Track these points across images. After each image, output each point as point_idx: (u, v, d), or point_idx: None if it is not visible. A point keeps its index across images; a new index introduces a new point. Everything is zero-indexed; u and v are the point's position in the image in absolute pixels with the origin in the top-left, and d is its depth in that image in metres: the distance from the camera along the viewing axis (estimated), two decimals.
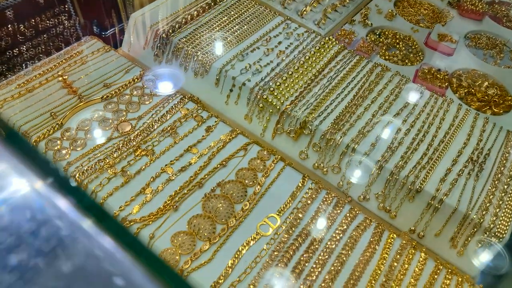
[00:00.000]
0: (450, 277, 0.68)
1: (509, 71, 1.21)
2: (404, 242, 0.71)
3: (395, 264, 0.68)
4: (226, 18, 1.08)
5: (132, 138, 0.79)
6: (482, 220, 0.74)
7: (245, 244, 0.67)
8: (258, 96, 0.91)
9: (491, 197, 0.77)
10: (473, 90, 1.12)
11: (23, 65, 1.12)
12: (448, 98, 0.96)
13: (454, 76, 1.16)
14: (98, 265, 0.36)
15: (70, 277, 0.35)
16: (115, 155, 0.76)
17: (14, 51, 1.06)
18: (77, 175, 0.72)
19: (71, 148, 0.77)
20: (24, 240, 0.37)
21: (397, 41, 1.23)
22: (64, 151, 0.76)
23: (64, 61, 0.92)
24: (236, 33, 1.04)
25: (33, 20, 1.07)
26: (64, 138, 0.78)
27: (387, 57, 1.17)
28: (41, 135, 0.77)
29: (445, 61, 1.19)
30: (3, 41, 1.04)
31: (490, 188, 0.79)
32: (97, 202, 0.71)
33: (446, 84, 1.09)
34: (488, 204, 0.76)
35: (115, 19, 1.33)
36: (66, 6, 1.15)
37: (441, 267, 0.68)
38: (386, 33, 1.26)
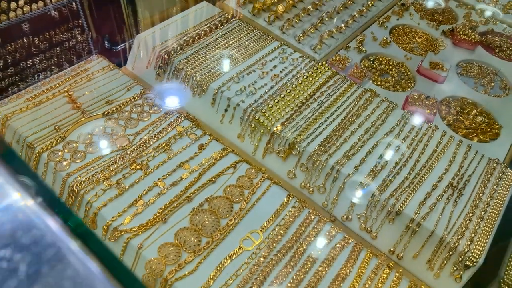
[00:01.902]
0: None
1: (498, 99, 1.25)
2: (379, 262, 0.74)
3: (370, 282, 0.71)
4: (225, 41, 1.15)
5: (128, 153, 0.84)
6: (457, 244, 0.77)
7: (227, 257, 0.71)
8: (251, 117, 0.96)
9: (467, 222, 0.81)
10: (461, 117, 1.16)
11: (35, 76, 1.18)
12: (433, 125, 1.00)
13: (443, 103, 1.20)
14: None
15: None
16: (111, 168, 0.81)
17: (28, 62, 1.12)
18: (75, 185, 0.77)
19: (71, 160, 0.82)
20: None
21: (390, 67, 1.29)
22: (64, 163, 0.81)
23: (71, 77, 0.99)
24: (233, 56, 1.10)
25: (47, 34, 1.13)
26: (66, 150, 0.83)
27: (379, 83, 1.22)
28: (44, 146, 0.83)
29: (436, 89, 1.24)
30: (18, 53, 1.10)
31: (467, 213, 0.82)
32: (92, 212, 0.76)
33: (434, 111, 1.13)
34: (464, 229, 0.79)
35: (126, 35, 1.40)
36: (79, 21, 1.21)
37: (415, 287, 0.71)
38: (380, 59, 1.31)
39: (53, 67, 1.20)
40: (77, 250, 0.44)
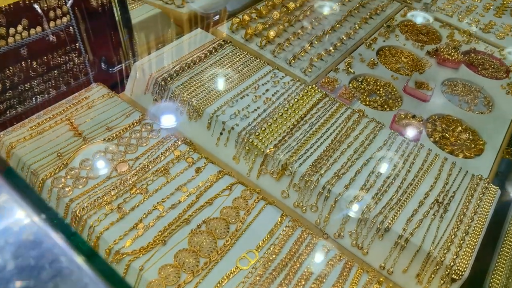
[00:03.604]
0: None
1: (482, 116, 1.31)
2: (370, 277, 0.78)
3: None
4: (219, 67, 1.20)
5: (129, 177, 0.88)
6: (443, 258, 0.81)
7: (225, 277, 0.75)
8: (245, 140, 1.00)
9: (453, 237, 0.85)
10: (447, 135, 1.21)
11: (33, 98, 1.22)
12: (419, 143, 1.05)
13: (429, 121, 1.25)
14: None
15: None
16: (112, 193, 0.85)
17: (26, 85, 1.14)
18: (78, 210, 0.81)
19: (74, 186, 0.86)
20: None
21: (378, 87, 1.34)
22: (67, 189, 0.85)
23: (72, 105, 1.03)
24: (227, 81, 1.15)
25: (45, 57, 1.15)
26: (68, 176, 0.87)
27: (367, 103, 1.27)
28: (48, 173, 0.87)
29: (422, 107, 1.29)
30: (16, 77, 1.13)
31: (452, 228, 0.86)
32: (94, 236, 0.79)
33: (421, 129, 1.19)
34: (449, 244, 0.83)
35: (122, 58, 1.45)
36: (77, 44, 1.24)
37: None
38: (368, 80, 1.37)
39: (50, 90, 1.23)
40: (83, 266, 0.46)
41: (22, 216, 0.50)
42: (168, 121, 1.10)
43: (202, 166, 0.93)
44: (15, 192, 0.52)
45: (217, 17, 1.59)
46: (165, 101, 1.13)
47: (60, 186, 0.85)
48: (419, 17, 1.72)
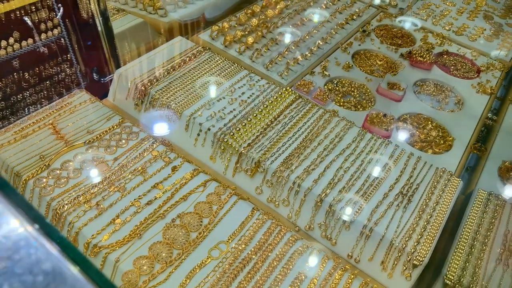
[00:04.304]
0: None
1: (452, 114, 1.37)
2: (335, 264, 0.82)
3: (325, 283, 0.79)
4: (198, 72, 1.26)
5: (107, 177, 0.93)
6: (405, 245, 0.86)
7: (197, 266, 0.79)
8: (221, 140, 1.05)
9: (415, 226, 0.89)
10: (417, 132, 1.26)
11: (26, 109, 1.26)
12: (386, 140, 1.11)
13: (400, 120, 1.31)
14: None
15: None
16: (92, 191, 0.90)
17: (18, 96, 1.18)
18: (58, 208, 0.85)
19: (55, 185, 0.90)
20: None
21: (352, 89, 1.40)
22: (48, 188, 0.89)
23: (55, 111, 1.08)
24: (205, 85, 1.21)
25: (37, 69, 1.20)
26: (50, 177, 0.92)
27: (342, 104, 1.33)
28: (30, 174, 0.91)
29: (394, 107, 1.35)
30: (9, 88, 1.17)
31: (415, 218, 0.91)
32: (73, 231, 0.83)
33: (391, 127, 1.24)
34: (411, 232, 0.88)
35: (113, 68, 1.50)
36: (68, 55, 1.28)
37: (365, 285, 0.79)
38: (343, 82, 1.43)
39: (43, 100, 1.27)
40: (77, 274, 0.48)
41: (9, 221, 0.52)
42: (160, 129, 1.14)
43: (178, 165, 0.98)
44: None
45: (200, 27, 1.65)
46: (145, 105, 1.18)
47: (42, 186, 0.90)
48: (407, 23, 1.78)
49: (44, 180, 0.91)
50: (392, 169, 1.02)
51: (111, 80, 1.45)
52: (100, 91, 1.38)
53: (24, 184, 0.91)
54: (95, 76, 1.45)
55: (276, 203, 1.00)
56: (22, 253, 0.46)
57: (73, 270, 0.46)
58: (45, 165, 0.94)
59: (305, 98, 1.21)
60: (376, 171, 1.01)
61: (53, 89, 1.27)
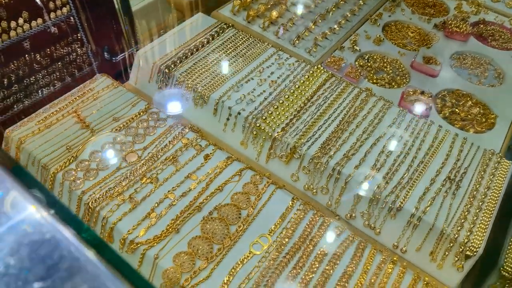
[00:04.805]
0: None
1: (492, 89, 1.28)
2: (384, 257, 0.78)
3: (375, 277, 0.75)
4: (223, 51, 1.18)
5: (138, 167, 0.88)
6: (457, 235, 0.81)
7: (239, 262, 0.75)
8: (252, 124, 1.00)
9: (466, 213, 0.84)
10: (457, 110, 1.19)
11: (39, 91, 1.22)
12: (428, 120, 1.03)
13: (438, 97, 1.23)
14: None
15: None
16: (123, 183, 0.85)
17: (31, 79, 1.15)
18: (90, 202, 0.82)
19: (85, 178, 0.86)
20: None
21: (385, 64, 1.32)
22: (78, 181, 0.85)
23: (77, 97, 1.03)
24: (232, 66, 1.14)
25: (48, 50, 1.16)
26: (79, 169, 0.88)
27: (374, 81, 1.25)
28: (58, 167, 0.87)
29: (430, 83, 1.27)
30: (21, 70, 1.13)
31: (465, 205, 0.86)
32: (108, 227, 0.80)
33: (430, 105, 1.17)
34: (463, 221, 0.83)
35: (125, 46, 1.44)
36: (78, 34, 1.24)
37: (418, 280, 0.75)
38: (374, 57, 1.34)
39: (55, 82, 1.23)
40: (94, 261, 0.46)
41: (32, 213, 0.50)
42: (173, 107, 1.10)
43: (211, 153, 0.93)
44: (25, 189, 0.52)
45: None
46: (170, 89, 1.12)
47: (71, 179, 0.86)
48: None
49: (73, 172, 0.87)
50: (438, 153, 0.96)
51: (123, 59, 1.40)
52: (112, 70, 1.34)
53: (53, 177, 0.87)
54: (106, 55, 1.40)
55: (314, 190, 0.95)
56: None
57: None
58: (72, 156, 0.89)
59: (338, 77, 1.13)
60: (420, 155, 0.95)
61: (65, 70, 1.24)
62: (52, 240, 0.47)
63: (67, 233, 0.48)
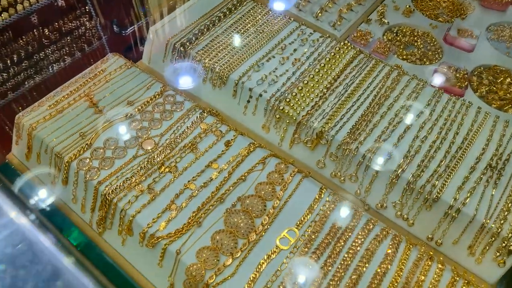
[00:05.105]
0: None
1: None
2: (421, 253, 0.72)
3: (412, 275, 0.70)
4: (241, 27, 1.10)
5: (156, 155, 0.83)
6: (500, 229, 0.75)
7: (265, 258, 0.71)
8: (275, 107, 0.93)
9: (509, 205, 0.78)
10: (494, 88, 1.10)
11: (49, 67, 1.18)
12: (466, 102, 0.95)
13: (474, 74, 1.14)
14: None
15: None
16: (141, 173, 0.81)
17: (41, 54, 1.13)
18: (107, 193, 0.77)
19: (100, 167, 0.82)
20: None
21: (415, 38, 1.22)
22: (94, 171, 0.81)
23: (89, 79, 0.97)
24: (251, 43, 1.06)
25: (56, 24, 1.14)
26: (93, 157, 0.83)
27: (404, 57, 1.16)
28: (72, 155, 0.83)
29: (465, 58, 1.17)
30: (30, 46, 1.11)
31: (509, 195, 0.79)
32: (127, 219, 0.76)
33: (465, 84, 1.08)
34: (506, 213, 0.77)
35: (134, 18, 1.38)
36: (86, 7, 1.20)
37: (457, 278, 0.70)
38: (404, 30, 1.24)
39: (65, 57, 1.20)
40: (71, 267, 0.45)
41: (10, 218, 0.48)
42: (185, 82, 1.03)
43: (232, 139, 0.87)
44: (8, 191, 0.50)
45: None
46: (182, 62, 1.05)
47: (86, 168, 0.81)
48: None
49: (88, 161, 0.82)
50: (477, 137, 0.88)
51: (132, 33, 1.34)
52: (122, 45, 1.30)
53: (67, 166, 0.82)
54: (115, 28, 1.34)
55: (342, 178, 0.89)
56: None
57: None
58: (86, 144, 0.85)
59: (366, 54, 1.05)
60: (458, 140, 0.87)
61: (74, 45, 1.21)
62: (29, 246, 0.45)
63: (45, 239, 0.46)
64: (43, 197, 0.89)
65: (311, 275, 0.69)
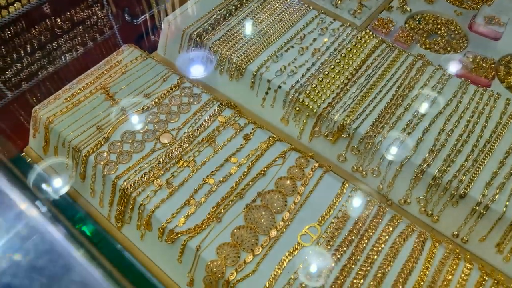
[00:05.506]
0: None
1: None
2: (448, 251, 0.70)
3: (438, 274, 0.68)
4: (258, 16, 1.07)
5: (173, 149, 0.82)
6: None
7: (287, 254, 0.70)
8: (294, 99, 0.90)
9: None
10: None
11: (62, 57, 1.18)
12: (495, 93, 0.91)
13: (501, 63, 1.09)
14: None
15: None
16: (159, 167, 0.80)
17: (53, 44, 1.14)
18: (126, 188, 0.77)
19: (118, 161, 0.81)
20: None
21: (439, 26, 1.17)
22: (111, 165, 0.80)
23: (105, 71, 0.95)
24: (269, 32, 1.03)
25: (68, 13, 1.13)
26: (111, 151, 0.82)
27: (427, 46, 1.12)
28: (90, 149, 0.82)
29: (492, 47, 1.12)
30: (43, 36, 1.10)
31: None
32: (146, 214, 0.75)
33: (492, 74, 1.03)
34: None
35: (145, 6, 1.36)
36: None
37: (486, 277, 0.67)
38: (427, 18, 1.20)
39: (78, 47, 1.20)
40: (83, 260, 0.44)
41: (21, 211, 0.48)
42: (201, 73, 1.02)
43: (251, 133, 0.85)
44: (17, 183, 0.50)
45: None
46: (202, 59, 1.03)
47: (104, 162, 0.81)
48: None
49: (105, 155, 0.82)
50: (506, 131, 0.85)
51: (144, 21, 1.32)
52: (134, 34, 1.30)
53: (85, 160, 0.82)
54: (127, 17, 1.33)
55: (364, 172, 0.87)
56: None
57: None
58: (104, 137, 0.84)
59: (389, 43, 1.01)
60: (486, 134, 0.84)
61: (86, 35, 1.20)
62: (42, 238, 0.45)
63: (57, 232, 0.46)
64: (61, 190, 0.89)
65: (333, 273, 0.67)
